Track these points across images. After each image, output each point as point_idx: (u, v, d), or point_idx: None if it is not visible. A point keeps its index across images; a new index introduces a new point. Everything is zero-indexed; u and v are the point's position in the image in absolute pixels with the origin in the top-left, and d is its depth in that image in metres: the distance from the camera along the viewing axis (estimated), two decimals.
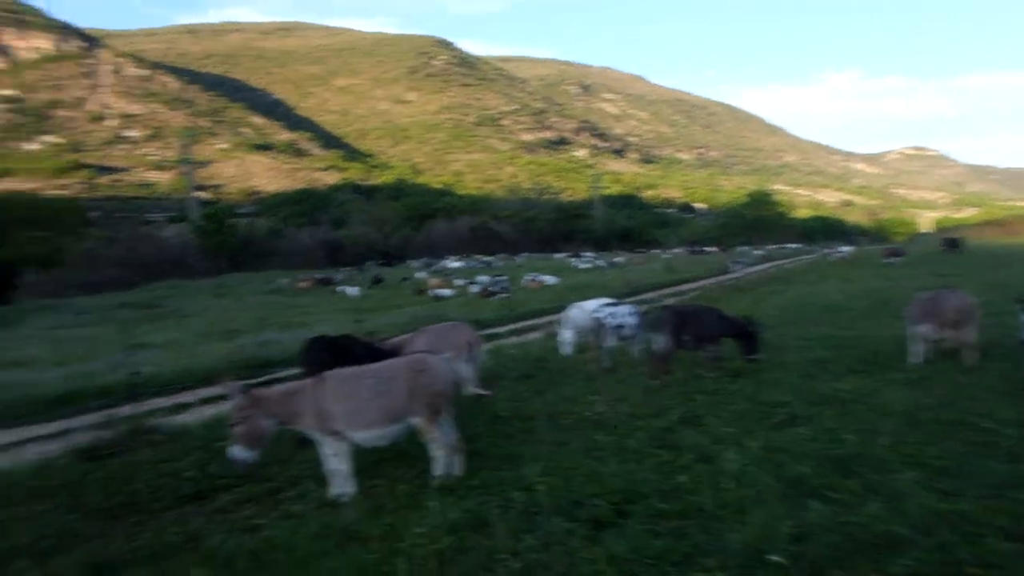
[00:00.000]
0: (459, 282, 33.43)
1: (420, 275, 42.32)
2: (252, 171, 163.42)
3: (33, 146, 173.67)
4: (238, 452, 5.86)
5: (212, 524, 5.82)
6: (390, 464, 6.70)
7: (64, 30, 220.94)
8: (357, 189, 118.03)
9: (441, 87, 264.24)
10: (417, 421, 6.04)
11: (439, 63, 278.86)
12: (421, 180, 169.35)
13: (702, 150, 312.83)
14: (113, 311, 28.84)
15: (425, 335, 9.20)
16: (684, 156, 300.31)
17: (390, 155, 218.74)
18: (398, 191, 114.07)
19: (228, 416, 6.01)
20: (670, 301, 19.65)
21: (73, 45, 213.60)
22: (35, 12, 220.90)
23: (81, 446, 7.96)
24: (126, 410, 9.59)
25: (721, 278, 32.92)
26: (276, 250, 54.18)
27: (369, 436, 6.00)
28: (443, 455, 6.10)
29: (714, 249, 72.22)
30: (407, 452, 6.77)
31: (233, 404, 5.93)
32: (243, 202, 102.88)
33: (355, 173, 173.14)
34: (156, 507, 6.33)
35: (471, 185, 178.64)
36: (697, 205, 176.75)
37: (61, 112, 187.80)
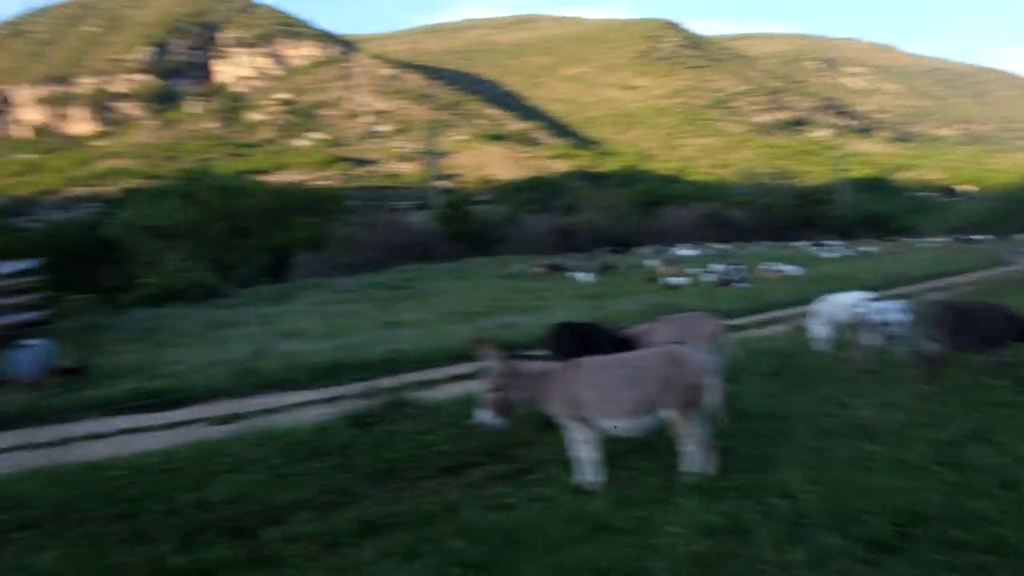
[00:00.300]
0: (692, 270, 32.48)
1: (650, 262, 41.71)
2: (487, 160, 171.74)
3: (302, 142, 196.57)
4: (487, 417, 6.01)
5: (466, 498, 6.04)
6: (635, 455, 6.56)
7: (327, 38, 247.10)
8: (586, 176, 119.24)
9: (670, 70, 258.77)
10: (669, 414, 5.85)
11: (668, 46, 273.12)
12: (650, 166, 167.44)
13: (968, 125, 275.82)
14: (369, 290, 31.78)
15: (667, 325, 8.91)
16: (945, 132, 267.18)
17: (618, 142, 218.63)
18: (627, 178, 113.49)
19: (483, 380, 6.15)
20: (939, 295, 17.51)
21: (334, 51, 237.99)
22: (304, 24, 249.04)
23: (350, 412, 8.67)
24: (386, 382, 10.38)
25: (999, 270, 28.83)
26: (510, 236, 56.38)
27: (620, 425, 5.91)
28: (694, 451, 5.85)
29: (987, 237, 63.26)
30: (652, 444, 6.60)
31: (491, 371, 6.06)
32: (479, 190, 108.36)
33: (584, 160, 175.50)
34: (414, 476, 6.71)
35: (702, 170, 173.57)
36: (962, 187, 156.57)
37: (324, 112, 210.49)
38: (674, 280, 29.20)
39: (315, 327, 20.20)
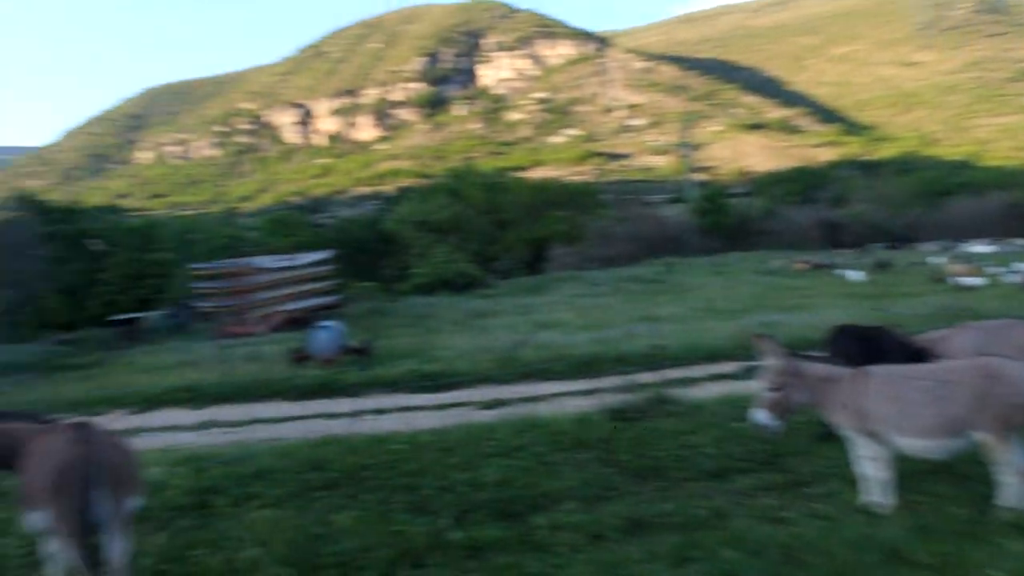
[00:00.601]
0: (990, 269, 28.35)
1: (936, 260, 37.13)
2: (745, 151, 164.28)
3: (558, 139, 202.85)
4: (764, 417, 5.54)
5: (735, 505, 5.72)
6: (934, 479, 5.77)
7: (582, 36, 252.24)
8: (857, 165, 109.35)
9: (961, 41, 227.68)
10: (983, 437, 5.03)
11: (959, 13, 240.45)
12: (934, 152, 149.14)
13: None
14: (623, 283, 31.92)
15: (971, 332, 7.68)
16: None
17: (895, 125, 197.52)
18: (906, 165, 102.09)
19: (762, 378, 5.74)
20: None
21: (589, 48, 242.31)
22: (561, 24, 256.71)
23: (611, 406, 8.66)
24: (644, 377, 10.25)
25: None
26: (769, 230, 53.37)
27: (918, 445, 5.20)
28: (1016, 483, 4.99)
29: None
30: (951, 468, 5.76)
31: (771, 369, 5.63)
32: (736, 182, 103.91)
33: (854, 148, 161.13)
34: (678, 476, 6.50)
35: (1001, 154, 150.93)
36: None
37: (579, 108, 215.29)
38: (967, 280, 25.69)
39: (571, 319, 20.68)
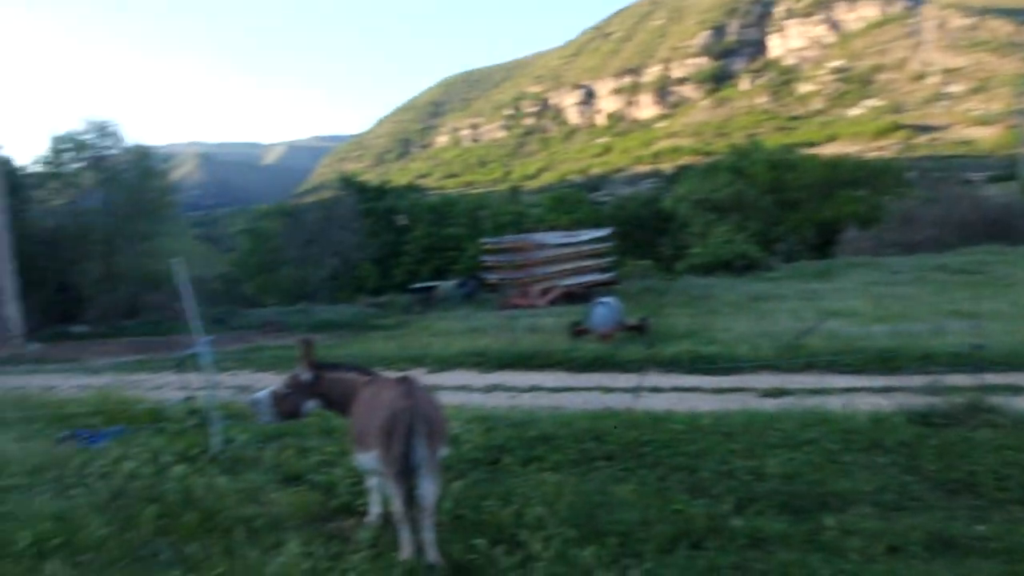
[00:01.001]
0: None
1: None
2: None
3: (855, 111, 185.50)
4: None
5: None
6: None
7: None
8: None
9: None
10: None
11: None
12: None
13: None
14: (928, 272, 28.33)
15: None
16: None
17: None
18: None
19: None
20: None
21: (897, 7, 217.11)
22: None
23: (913, 408, 7.86)
24: (954, 380, 9.08)
25: None
26: None
27: None
28: None
29: None
30: None
31: None
32: None
33: None
34: (1000, 497, 5.69)
35: None
36: None
37: (883, 76, 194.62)
38: None
39: (863, 308, 18.98)
